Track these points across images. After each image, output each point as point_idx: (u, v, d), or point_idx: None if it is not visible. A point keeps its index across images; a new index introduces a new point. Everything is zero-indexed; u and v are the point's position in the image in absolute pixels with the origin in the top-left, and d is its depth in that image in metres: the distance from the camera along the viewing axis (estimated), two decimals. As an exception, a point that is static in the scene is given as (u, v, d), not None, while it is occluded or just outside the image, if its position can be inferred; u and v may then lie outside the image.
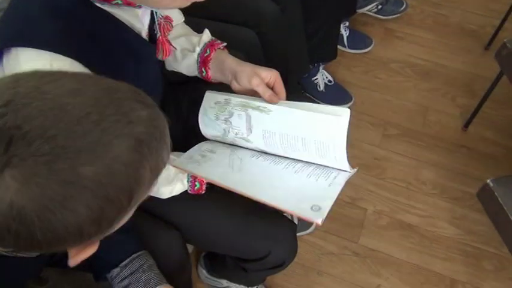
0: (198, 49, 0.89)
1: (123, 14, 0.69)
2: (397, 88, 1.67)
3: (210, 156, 0.80)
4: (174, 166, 0.80)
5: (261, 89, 0.80)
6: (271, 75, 0.81)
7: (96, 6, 0.66)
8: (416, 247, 1.35)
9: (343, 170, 0.73)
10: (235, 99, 0.82)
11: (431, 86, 1.67)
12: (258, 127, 0.78)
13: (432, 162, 1.50)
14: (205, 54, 0.88)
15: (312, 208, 0.65)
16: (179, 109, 1.00)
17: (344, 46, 1.73)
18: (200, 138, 0.89)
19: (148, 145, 0.43)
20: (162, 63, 0.88)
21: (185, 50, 0.91)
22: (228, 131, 0.82)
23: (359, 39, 1.74)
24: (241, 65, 0.84)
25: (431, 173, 1.48)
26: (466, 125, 1.55)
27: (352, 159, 0.71)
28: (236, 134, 0.81)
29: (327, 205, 0.65)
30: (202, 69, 0.89)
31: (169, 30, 0.82)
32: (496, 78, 1.39)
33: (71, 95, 0.40)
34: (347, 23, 1.72)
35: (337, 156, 0.71)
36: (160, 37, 0.80)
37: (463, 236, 1.37)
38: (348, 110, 0.70)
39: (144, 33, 0.76)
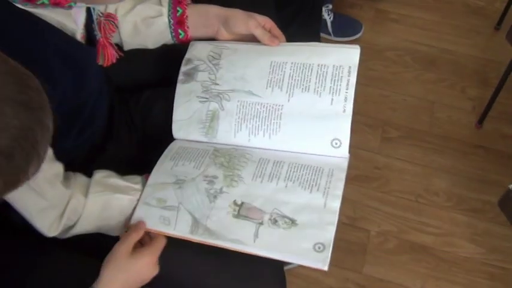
0: (165, 11, 0.93)
1: (52, 15, 0.69)
2: (395, 81, 1.68)
3: (184, 184, 0.83)
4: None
5: (260, 32, 0.90)
6: (265, 20, 0.92)
7: (18, 8, 0.66)
8: (432, 273, 1.36)
9: (337, 160, 0.83)
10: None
11: (436, 76, 1.70)
12: (266, 57, 0.89)
13: (444, 168, 1.52)
14: (178, 14, 0.93)
15: (315, 248, 0.72)
16: (131, 120, 1.01)
17: (328, 34, 1.74)
18: (160, 150, 0.90)
19: (10, 158, 0.46)
20: (108, 68, 0.88)
21: (147, 18, 0.93)
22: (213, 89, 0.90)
23: (346, 25, 1.75)
24: (231, 10, 0.93)
25: (443, 182, 1.50)
26: (480, 120, 1.58)
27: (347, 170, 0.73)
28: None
29: (329, 237, 0.72)
30: (179, 31, 0.94)
31: (113, 31, 0.83)
32: (511, 63, 1.41)
33: None
34: (330, 6, 1.72)
35: (348, 93, 0.85)
36: (100, 39, 0.81)
37: (487, 255, 1.38)
38: (358, 46, 0.89)
39: (80, 35, 0.77)
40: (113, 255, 0.76)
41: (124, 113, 1.00)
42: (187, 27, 0.94)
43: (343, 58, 0.88)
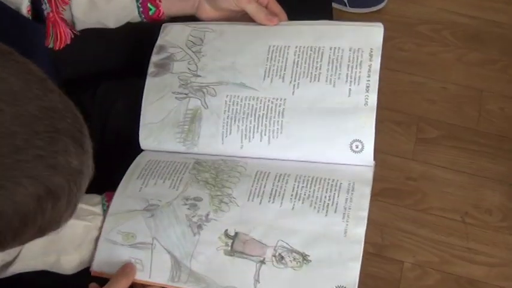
0: None
1: None
2: (432, 64, 1.68)
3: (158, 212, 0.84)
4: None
5: (253, 8, 0.91)
6: None
7: None
8: (485, 315, 1.36)
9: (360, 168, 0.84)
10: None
11: (484, 56, 1.70)
12: (262, 40, 0.91)
13: (497, 178, 1.52)
14: None
15: None
16: (88, 122, 0.99)
17: (343, 4, 1.75)
18: (124, 163, 0.91)
19: (55, 201, 0.52)
20: (56, 53, 0.89)
21: None
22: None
23: (365, -8, 1.77)
24: None
25: (497, 195, 1.49)
26: (544, 114, 1.59)
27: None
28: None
29: (353, 278, 0.74)
30: (149, 5, 0.95)
31: (66, 3, 0.84)
32: None
33: (10, 97, 0.49)
34: (344, -32, 1.74)
35: (371, 81, 0.86)
36: (50, 13, 0.82)
37: (556, 291, 1.39)
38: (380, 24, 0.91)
39: (25, 9, 0.77)
40: None
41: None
42: (160, 1, 0.94)
43: (362, 39, 0.89)
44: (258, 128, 0.86)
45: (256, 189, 0.83)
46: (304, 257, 0.76)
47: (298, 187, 0.82)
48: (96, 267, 0.82)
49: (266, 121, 0.86)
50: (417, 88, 1.65)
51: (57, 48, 0.86)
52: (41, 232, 0.54)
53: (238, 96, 0.88)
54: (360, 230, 0.77)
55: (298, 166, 0.85)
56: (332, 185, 0.82)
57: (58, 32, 0.84)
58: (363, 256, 0.76)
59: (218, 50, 0.91)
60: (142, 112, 0.91)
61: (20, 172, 0.49)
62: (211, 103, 0.88)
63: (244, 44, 0.91)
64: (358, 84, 0.86)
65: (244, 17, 0.93)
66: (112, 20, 0.97)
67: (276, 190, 0.82)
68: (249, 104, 0.87)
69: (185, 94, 0.90)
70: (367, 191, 0.81)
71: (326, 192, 0.81)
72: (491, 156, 1.54)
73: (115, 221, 0.83)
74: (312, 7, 1.49)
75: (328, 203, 0.80)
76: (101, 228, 0.84)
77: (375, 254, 1.41)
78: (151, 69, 0.93)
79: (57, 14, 0.83)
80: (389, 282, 1.39)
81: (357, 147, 0.83)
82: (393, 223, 1.45)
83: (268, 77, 0.88)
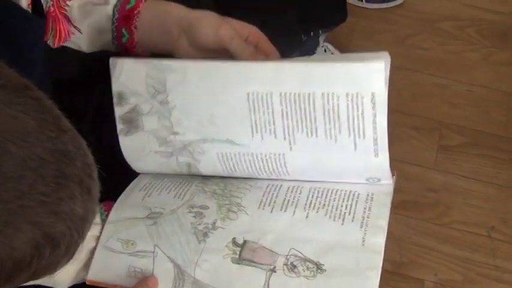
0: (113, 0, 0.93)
1: None
2: (456, 64, 1.68)
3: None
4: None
5: (238, 46, 0.85)
6: (249, 29, 0.88)
7: None
8: None
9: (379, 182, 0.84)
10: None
11: (513, 55, 1.70)
12: (239, 86, 0.84)
13: (527, 189, 1.51)
14: (129, 6, 0.91)
15: None
16: (79, 126, 0.99)
17: (360, -1, 1.77)
18: (120, 169, 0.91)
19: (54, 248, 0.53)
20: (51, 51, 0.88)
21: (88, 3, 0.93)
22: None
23: (383, -15, 1.77)
24: (198, 12, 0.89)
25: (526, 208, 1.49)
26: None
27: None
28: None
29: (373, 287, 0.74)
30: (123, 30, 0.92)
31: None
32: None
33: (20, 138, 0.50)
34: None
35: (378, 133, 0.81)
36: (52, 9, 0.81)
37: None
38: (386, 54, 0.81)
39: (26, 1, 0.77)
40: None
41: (68, 115, 0.99)
42: (135, 28, 0.91)
43: (358, 78, 0.81)
44: (262, 173, 0.86)
45: (267, 198, 0.83)
46: (319, 266, 0.76)
47: (313, 197, 0.83)
48: (92, 276, 0.82)
49: (269, 169, 0.85)
50: (439, 91, 1.64)
51: (56, 45, 0.85)
52: (35, 276, 0.56)
53: (230, 153, 0.86)
54: (379, 240, 0.77)
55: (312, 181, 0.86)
56: (349, 196, 0.82)
57: (58, 28, 0.84)
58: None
59: (187, 100, 0.86)
60: (130, 164, 0.91)
61: (20, 217, 0.50)
62: (203, 159, 0.87)
63: (217, 92, 0.84)
64: (364, 138, 0.81)
65: (227, 56, 0.88)
66: (85, 42, 0.95)
67: (288, 200, 0.83)
68: (245, 159, 0.85)
69: (169, 153, 0.89)
70: (386, 201, 0.81)
71: (343, 201, 0.82)
72: (521, 166, 1.54)
73: (114, 228, 0.84)
74: (325, 2, 1.51)
75: (344, 212, 0.80)
76: (98, 238, 0.84)
77: (393, 272, 1.41)
78: (119, 125, 0.90)
79: (58, 10, 0.82)
80: (409, 303, 1.39)
81: (373, 181, 0.84)
82: (412, 238, 1.45)
83: (257, 132, 0.84)
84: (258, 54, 0.87)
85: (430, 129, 1.59)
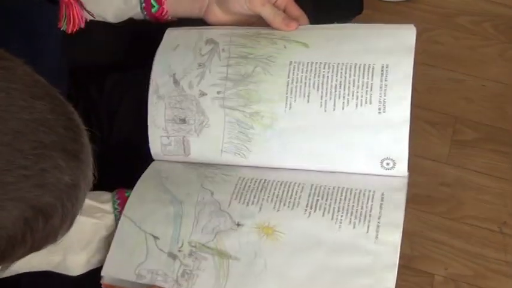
0: None
1: None
2: (471, 59, 1.68)
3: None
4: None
5: (268, 11, 0.89)
6: None
7: None
8: (524, 336, 1.35)
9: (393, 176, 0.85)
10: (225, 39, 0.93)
11: (529, 51, 1.69)
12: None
13: (541, 185, 1.51)
14: None
15: None
16: (95, 114, 1.01)
17: (373, -9, 1.75)
18: (132, 165, 0.91)
19: (47, 220, 0.52)
20: (65, 38, 0.88)
21: None
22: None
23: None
24: None
25: (540, 204, 1.49)
26: None
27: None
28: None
29: (390, 282, 0.75)
30: (152, 1, 0.94)
31: None
32: None
33: None
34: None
35: (403, 92, 0.86)
36: None
37: None
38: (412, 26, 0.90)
39: None
40: None
41: (83, 103, 1.00)
42: None
43: (392, 42, 0.89)
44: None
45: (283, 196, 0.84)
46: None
47: (315, 196, 0.83)
48: (105, 273, 0.83)
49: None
50: (454, 85, 1.64)
51: (69, 32, 0.85)
52: (35, 249, 0.55)
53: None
54: (394, 238, 0.78)
55: (316, 177, 0.86)
56: (359, 195, 0.83)
57: (71, 14, 0.84)
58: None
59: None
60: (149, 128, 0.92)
61: (2, 195, 0.49)
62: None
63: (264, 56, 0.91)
64: (385, 109, 0.85)
65: (259, 22, 0.92)
66: (111, 13, 0.96)
67: (285, 198, 0.84)
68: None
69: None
70: (401, 197, 0.82)
71: (351, 202, 0.82)
72: (534, 162, 1.54)
73: (133, 220, 0.85)
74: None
75: (356, 210, 0.81)
76: (110, 227, 0.85)
77: (403, 265, 1.39)
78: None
79: None
80: (419, 297, 1.39)
81: (388, 164, 0.84)
82: (424, 232, 1.45)
83: (292, 95, 0.88)
84: (287, 19, 0.90)
85: (445, 124, 1.59)
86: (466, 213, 1.48)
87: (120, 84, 1.01)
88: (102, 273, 0.82)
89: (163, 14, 0.95)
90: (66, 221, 0.55)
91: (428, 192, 1.50)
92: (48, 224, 0.52)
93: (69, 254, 0.83)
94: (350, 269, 0.77)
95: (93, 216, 0.84)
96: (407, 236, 1.43)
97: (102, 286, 0.83)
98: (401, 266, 1.43)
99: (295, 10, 0.92)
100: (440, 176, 1.52)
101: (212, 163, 0.91)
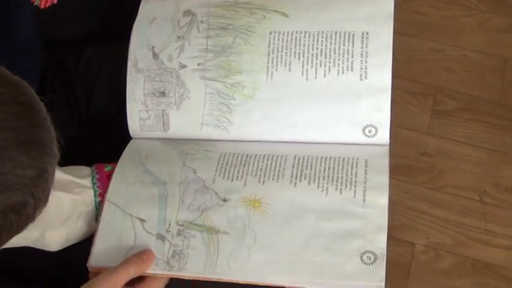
0: None
1: None
2: (452, 29, 1.67)
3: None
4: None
5: None
6: None
7: None
8: (502, 303, 1.37)
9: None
10: None
11: (509, 21, 1.69)
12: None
13: (520, 154, 1.52)
14: None
15: (362, 258, 0.76)
16: (70, 88, 1.01)
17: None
18: (111, 138, 0.91)
19: (19, 213, 0.51)
20: (39, 13, 0.88)
21: None
22: None
23: None
24: None
25: (519, 173, 1.50)
26: None
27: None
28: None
29: (381, 242, 0.77)
30: None
31: None
32: None
33: None
34: None
35: (383, 58, 0.87)
36: None
37: None
38: None
39: None
40: None
41: (60, 78, 1.00)
42: None
43: (373, 7, 0.91)
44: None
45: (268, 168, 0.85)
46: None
47: (300, 166, 0.84)
48: (94, 262, 0.82)
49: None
50: (435, 56, 1.64)
51: (42, 7, 0.84)
52: (16, 232, 0.54)
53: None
54: (382, 200, 0.81)
55: (298, 148, 0.87)
56: (343, 162, 0.84)
57: None
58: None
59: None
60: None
61: None
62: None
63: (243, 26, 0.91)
64: (366, 76, 0.86)
65: None
66: None
67: (268, 168, 0.85)
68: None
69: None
70: (384, 163, 0.84)
71: (336, 170, 0.83)
72: (514, 131, 1.55)
73: (117, 203, 0.85)
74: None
75: (342, 177, 0.82)
76: (89, 202, 0.84)
77: None
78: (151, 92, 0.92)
79: None
80: (399, 266, 1.40)
81: (370, 131, 0.85)
82: (405, 202, 1.46)
83: (272, 65, 0.89)
84: None
85: (425, 94, 1.59)
86: (447, 182, 1.49)
87: (96, 57, 1.01)
88: (91, 262, 0.81)
89: None
90: (41, 203, 0.54)
91: (409, 162, 1.51)
92: (22, 216, 0.52)
93: (47, 230, 0.83)
94: (341, 233, 0.78)
95: (72, 192, 0.83)
96: (389, 206, 1.44)
97: (89, 270, 0.81)
98: (382, 236, 1.44)
99: None
100: (421, 146, 1.53)
101: (192, 139, 0.90)
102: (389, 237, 1.40)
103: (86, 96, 1.00)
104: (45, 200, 0.55)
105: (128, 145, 0.91)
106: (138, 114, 0.90)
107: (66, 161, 0.86)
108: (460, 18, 1.70)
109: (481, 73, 1.62)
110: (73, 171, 0.85)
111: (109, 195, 0.84)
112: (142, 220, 0.82)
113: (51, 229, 0.83)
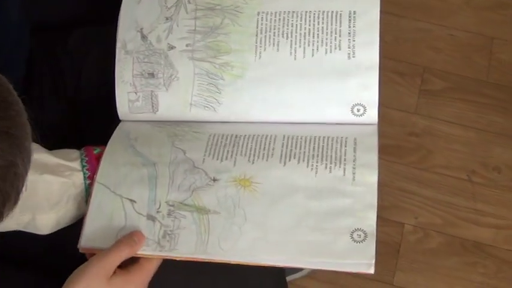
0: None
1: None
2: (439, 8, 1.67)
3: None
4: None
5: None
6: None
7: None
8: (491, 281, 1.38)
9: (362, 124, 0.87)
10: None
11: None
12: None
13: (507, 133, 1.53)
14: None
15: (352, 236, 0.77)
16: (58, 71, 1.01)
17: None
18: (102, 121, 0.91)
19: None
20: None
21: None
22: None
23: None
24: None
25: (506, 152, 1.50)
26: (560, 63, 1.59)
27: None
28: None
29: (371, 220, 0.78)
30: None
31: None
32: None
33: None
34: None
35: (371, 37, 0.88)
36: None
37: None
38: None
39: None
40: (83, 277, 0.75)
41: (48, 62, 1.00)
42: None
43: None
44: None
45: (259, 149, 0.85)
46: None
47: (290, 145, 0.85)
48: (85, 243, 0.81)
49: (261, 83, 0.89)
50: (422, 35, 1.64)
51: None
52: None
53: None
54: (371, 178, 0.81)
55: (286, 128, 0.87)
56: (332, 141, 0.84)
57: None
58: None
59: None
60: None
61: None
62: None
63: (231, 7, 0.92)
64: (354, 55, 0.87)
65: None
66: None
67: (266, 151, 0.85)
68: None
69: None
70: (373, 142, 0.85)
71: (326, 149, 0.84)
72: (501, 110, 1.55)
73: (108, 185, 0.84)
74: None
75: (331, 156, 0.83)
76: (79, 185, 0.84)
77: None
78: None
79: None
80: (389, 246, 1.40)
81: (358, 110, 0.86)
82: (394, 182, 1.46)
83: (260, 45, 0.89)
84: None
85: (413, 74, 1.59)
86: (435, 162, 1.49)
87: (84, 40, 1.01)
88: (82, 243, 0.81)
89: None
90: (9, 202, 0.53)
91: (398, 143, 1.51)
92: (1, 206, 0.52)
93: (38, 214, 0.83)
94: (331, 211, 0.79)
95: (61, 175, 0.83)
96: (377, 186, 1.44)
97: (80, 251, 0.81)
98: (371, 216, 1.44)
99: None
100: (409, 126, 1.53)
101: (181, 120, 0.90)
102: (379, 218, 1.41)
103: (75, 79, 0.99)
104: (15, 199, 0.54)
105: (117, 128, 0.90)
106: (127, 96, 0.90)
107: (55, 144, 0.87)
108: (446, -4, 1.70)
109: (468, 52, 1.63)
110: (62, 154, 0.85)
111: (99, 177, 0.84)
112: (132, 201, 0.82)
113: (41, 213, 0.83)
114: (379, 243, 1.43)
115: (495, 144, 1.52)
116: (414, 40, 1.64)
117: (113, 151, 0.87)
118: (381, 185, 1.43)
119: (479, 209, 1.45)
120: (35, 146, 0.84)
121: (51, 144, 0.86)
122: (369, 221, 0.78)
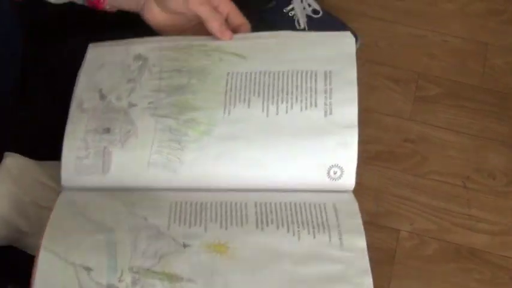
0: None
1: None
2: (432, 14, 1.68)
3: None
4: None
5: (207, 12, 0.87)
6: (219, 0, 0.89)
7: None
8: (487, 287, 1.37)
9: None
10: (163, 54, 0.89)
11: (489, 6, 1.70)
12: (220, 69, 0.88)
13: (502, 138, 1.53)
14: None
15: None
16: (52, 73, 1.02)
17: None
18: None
19: None
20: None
21: None
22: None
23: None
24: None
25: (502, 158, 1.50)
26: (554, 69, 1.59)
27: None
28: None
29: (369, 285, 0.75)
30: None
31: None
32: None
33: None
34: None
35: (349, 94, 0.83)
36: None
37: None
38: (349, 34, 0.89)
39: None
40: None
41: (42, 64, 1.01)
42: None
43: (333, 48, 0.89)
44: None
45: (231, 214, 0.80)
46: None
47: (263, 210, 0.79)
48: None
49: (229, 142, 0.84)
50: (416, 41, 1.64)
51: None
52: None
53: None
54: (359, 243, 0.78)
55: (258, 195, 0.82)
56: (310, 206, 0.80)
57: None
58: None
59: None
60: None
61: None
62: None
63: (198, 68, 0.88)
64: (331, 112, 0.82)
65: (195, 27, 0.92)
66: None
67: (239, 218, 0.79)
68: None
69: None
70: (354, 208, 0.82)
71: (305, 214, 0.79)
72: (496, 116, 1.55)
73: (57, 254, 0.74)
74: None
75: (312, 221, 0.78)
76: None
77: (369, 222, 1.36)
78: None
79: None
80: (384, 252, 1.40)
81: (335, 173, 0.82)
82: (388, 189, 1.46)
83: (229, 103, 0.84)
84: (224, 26, 0.89)
85: (407, 80, 1.59)
86: (430, 168, 1.49)
87: (79, 50, 0.99)
88: None
89: (100, 2, 0.92)
90: None
91: (392, 149, 1.51)
92: None
93: (23, 227, 0.84)
94: (323, 277, 0.74)
95: None
96: (372, 193, 1.44)
97: None
98: (366, 223, 1.44)
99: (239, 18, 0.92)
100: (404, 132, 1.53)
101: (134, 186, 0.83)
102: (374, 224, 1.41)
103: (68, 88, 0.98)
104: None
105: (58, 199, 0.81)
106: (76, 153, 0.83)
107: (48, 146, 0.86)
108: (440, 3, 1.70)
109: (462, 58, 1.63)
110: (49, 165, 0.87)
111: (45, 243, 0.74)
112: (88, 268, 0.72)
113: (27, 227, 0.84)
114: (374, 249, 1.43)
115: (490, 150, 1.51)
116: (409, 46, 1.64)
117: (60, 218, 0.78)
118: (376, 191, 1.44)
119: (475, 215, 1.44)
120: (24, 162, 0.84)
121: (44, 144, 0.88)
122: (367, 286, 0.74)
